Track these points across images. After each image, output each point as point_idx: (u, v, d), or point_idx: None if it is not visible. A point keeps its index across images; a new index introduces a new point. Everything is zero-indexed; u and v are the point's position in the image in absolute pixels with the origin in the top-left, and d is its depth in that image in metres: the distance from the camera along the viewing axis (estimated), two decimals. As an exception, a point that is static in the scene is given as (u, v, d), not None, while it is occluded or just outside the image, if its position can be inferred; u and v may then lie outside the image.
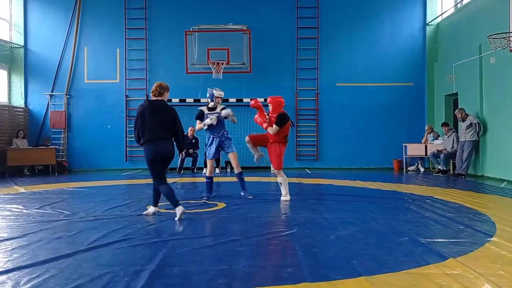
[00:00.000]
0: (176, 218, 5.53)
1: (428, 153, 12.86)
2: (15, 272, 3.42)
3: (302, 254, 3.99)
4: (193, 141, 13.29)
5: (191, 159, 13.27)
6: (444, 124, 12.58)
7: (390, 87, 14.66)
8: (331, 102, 14.70)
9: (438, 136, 13.28)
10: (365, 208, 6.46)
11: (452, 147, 12.02)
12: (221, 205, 6.79)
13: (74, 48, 14.68)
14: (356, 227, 5.19)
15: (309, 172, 13.34)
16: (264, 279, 3.30)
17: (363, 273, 3.40)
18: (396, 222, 5.37)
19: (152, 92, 5.77)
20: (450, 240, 4.52)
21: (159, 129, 5.56)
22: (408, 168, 13.58)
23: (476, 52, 11.61)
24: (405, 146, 13.44)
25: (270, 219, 5.82)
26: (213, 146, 7.54)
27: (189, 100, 14.29)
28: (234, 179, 11.25)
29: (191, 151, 13.18)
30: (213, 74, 13.58)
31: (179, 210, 5.57)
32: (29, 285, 3.13)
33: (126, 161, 14.61)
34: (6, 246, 4.31)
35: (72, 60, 14.68)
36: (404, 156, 13.57)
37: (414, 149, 13.35)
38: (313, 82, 14.78)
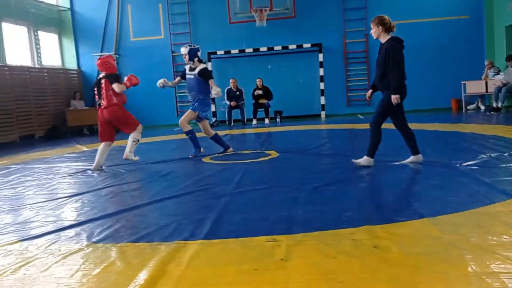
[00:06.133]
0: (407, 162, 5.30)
1: (491, 89, 12.09)
2: (88, 224, 3.64)
3: (360, 198, 3.97)
4: (237, 93, 13.19)
5: (238, 111, 13.27)
6: (509, 58, 11.67)
7: (444, 22, 13.75)
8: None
9: (499, 71, 12.44)
10: (423, 150, 6.20)
11: (516, 81, 11.24)
12: (274, 154, 6.83)
13: (118, 6, 14.77)
14: (415, 169, 5.08)
15: (362, 117, 13.03)
16: (324, 223, 3.31)
17: (425, 214, 3.31)
18: (457, 163, 5.18)
19: (391, 25, 5.37)
20: (517, 178, 4.31)
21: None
22: (468, 107, 12.94)
23: (543, -26, 10.55)
24: (464, 84, 12.72)
25: (324, 166, 5.77)
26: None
27: (234, 51, 14.14)
28: (284, 128, 11.28)
29: (234, 103, 13.07)
30: (257, 22, 13.27)
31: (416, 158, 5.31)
32: (102, 235, 3.33)
33: (177, 116, 14.90)
34: (76, 201, 4.58)
35: (118, 19, 14.83)
36: (463, 95, 12.90)
37: (473, 87, 12.61)
38: (362, 23, 14.10)
